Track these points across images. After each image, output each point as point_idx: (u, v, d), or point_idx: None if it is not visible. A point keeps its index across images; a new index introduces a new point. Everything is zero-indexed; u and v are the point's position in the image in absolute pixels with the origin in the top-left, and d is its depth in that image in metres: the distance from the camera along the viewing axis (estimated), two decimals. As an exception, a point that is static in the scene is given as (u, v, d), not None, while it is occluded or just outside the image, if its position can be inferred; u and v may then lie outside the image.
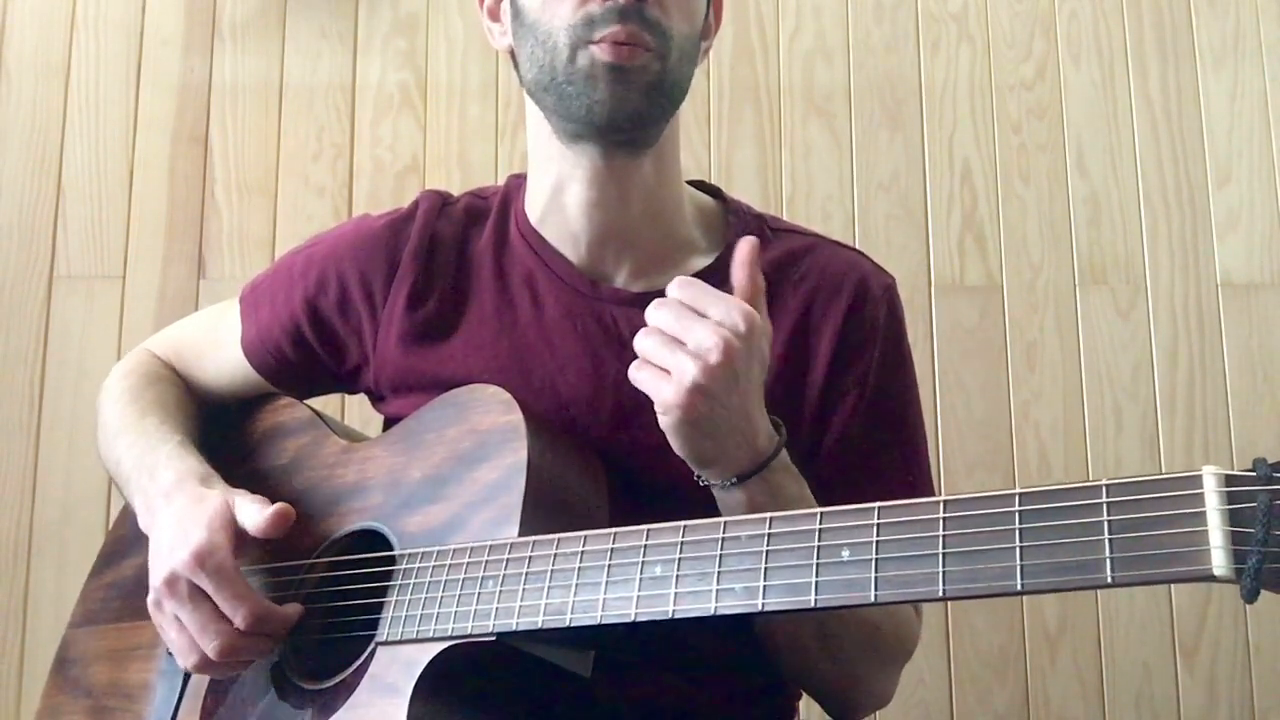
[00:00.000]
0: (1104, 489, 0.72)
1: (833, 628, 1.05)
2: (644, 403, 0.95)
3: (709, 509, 1.02)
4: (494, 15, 1.18)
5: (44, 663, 1.29)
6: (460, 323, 1.15)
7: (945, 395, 1.87)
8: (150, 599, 1.04)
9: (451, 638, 0.93)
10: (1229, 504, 0.68)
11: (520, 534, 0.94)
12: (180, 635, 1.02)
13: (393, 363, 1.16)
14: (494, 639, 0.91)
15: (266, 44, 1.93)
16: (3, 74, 1.89)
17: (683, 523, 0.88)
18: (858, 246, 1.40)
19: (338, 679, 1.00)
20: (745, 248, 0.96)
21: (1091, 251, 1.93)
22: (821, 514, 0.82)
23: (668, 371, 0.92)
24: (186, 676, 1.10)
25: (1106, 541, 0.71)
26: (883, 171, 1.94)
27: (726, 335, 0.90)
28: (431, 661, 0.92)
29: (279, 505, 1.04)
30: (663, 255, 1.15)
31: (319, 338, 1.20)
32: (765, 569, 0.83)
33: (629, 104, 1.05)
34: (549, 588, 0.90)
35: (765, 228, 1.20)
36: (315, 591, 1.08)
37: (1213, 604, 1.82)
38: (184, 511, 1.05)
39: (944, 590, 0.75)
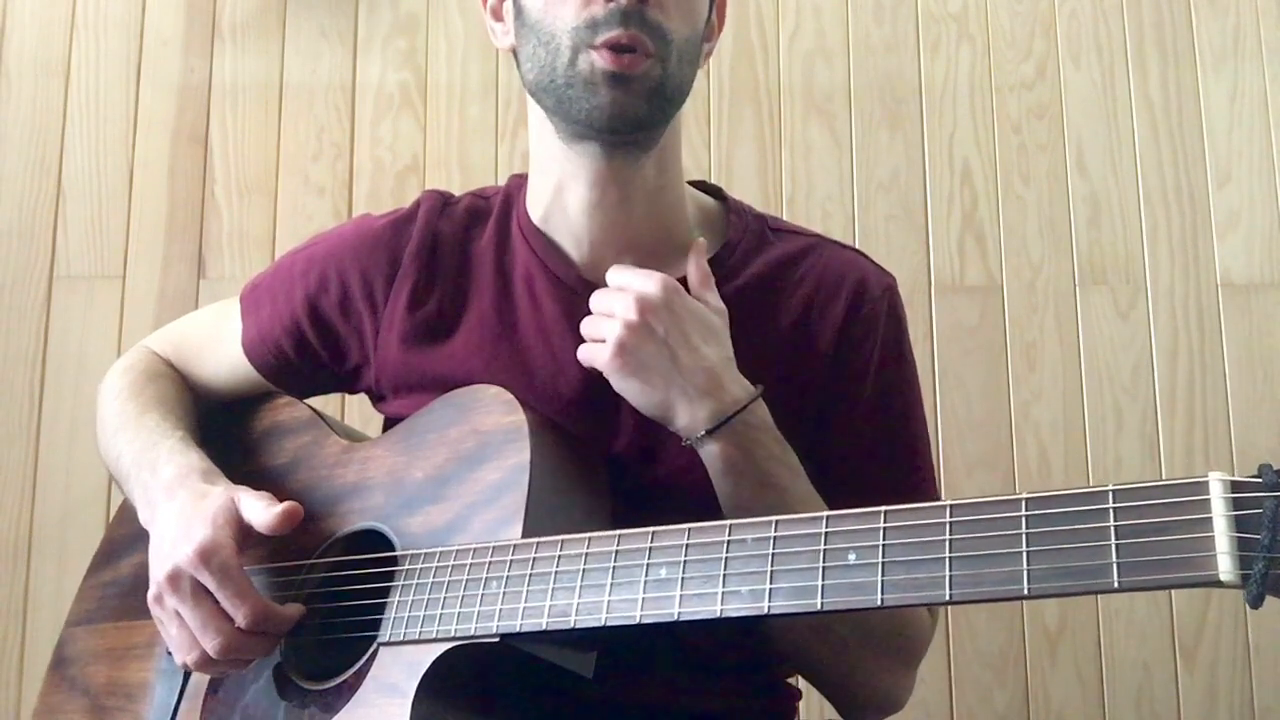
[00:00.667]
0: (1110, 494, 0.73)
1: (837, 626, 1.06)
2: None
3: (711, 509, 1.02)
4: (497, 15, 1.17)
5: (44, 662, 1.28)
6: (461, 323, 1.15)
7: (945, 395, 1.87)
8: (151, 594, 1.03)
9: (455, 638, 0.93)
10: (1235, 510, 0.68)
11: (523, 535, 0.94)
12: (180, 631, 1.02)
13: (393, 362, 1.16)
14: (497, 640, 0.91)
15: (266, 44, 1.93)
16: (3, 74, 1.88)
17: (688, 525, 0.88)
18: (858, 246, 1.39)
19: (340, 679, 1.00)
20: (692, 249, 1.10)
21: (1091, 251, 1.93)
22: (828, 517, 0.83)
23: (604, 341, 1.03)
24: (186, 676, 1.09)
25: (1113, 547, 0.71)
26: (882, 171, 1.94)
27: (640, 296, 1.02)
28: (435, 662, 0.92)
29: (288, 503, 1.03)
30: (664, 256, 1.14)
31: (320, 337, 1.20)
32: (771, 571, 0.83)
33: (630, 109, 1.05)
34: (553, 589, 0.90)
35: (765, 228, 1.20)
36: (316, 591, 1.07)
37: (1213, 605, 1.82)
38: (187, 507, 1.05)
39: (950, 594, 0.76)
